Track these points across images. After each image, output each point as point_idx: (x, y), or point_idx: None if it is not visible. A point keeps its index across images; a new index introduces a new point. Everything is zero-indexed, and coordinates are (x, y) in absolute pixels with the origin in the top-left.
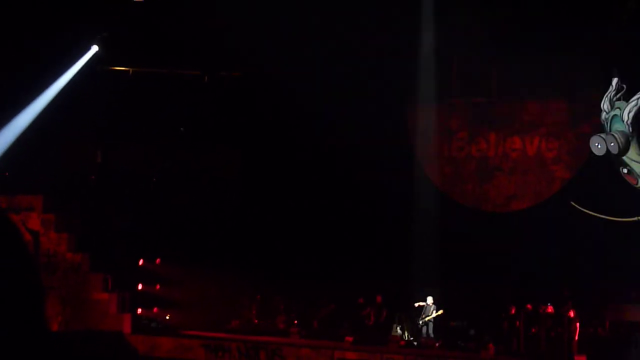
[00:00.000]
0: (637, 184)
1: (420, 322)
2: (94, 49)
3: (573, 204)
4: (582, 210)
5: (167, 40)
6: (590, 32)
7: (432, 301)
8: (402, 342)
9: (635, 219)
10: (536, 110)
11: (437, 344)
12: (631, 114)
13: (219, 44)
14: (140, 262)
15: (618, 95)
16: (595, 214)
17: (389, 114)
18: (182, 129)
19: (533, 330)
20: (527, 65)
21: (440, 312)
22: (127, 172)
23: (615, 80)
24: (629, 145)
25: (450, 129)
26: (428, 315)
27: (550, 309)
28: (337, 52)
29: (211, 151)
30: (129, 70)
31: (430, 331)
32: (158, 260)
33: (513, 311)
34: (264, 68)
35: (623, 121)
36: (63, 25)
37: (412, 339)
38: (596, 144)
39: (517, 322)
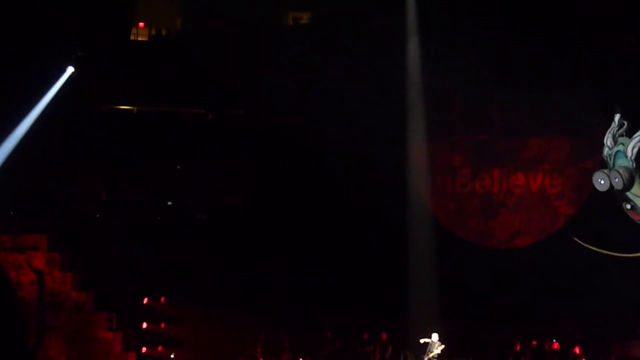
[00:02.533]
0: None
1: (425, 359)
2: (70, 70)
3: (576, 239)
4: (585, 246)
5: (170, 79)
6: (591, 68)
7: (437, 338)
8: None
9: (639, 254)
10: (539, 147)
11: None
12: (635, 150)
13: (223, 84)
14: (145, 300)
15: (621, 131)
16: (599, 250)
17: (392, 152)
18: (178, 167)
19: None
20: (529, 102)
21: (443, 346)
22: (132, 210)
23: (617, 116)
24: (633, 180)
25: (453, 165)
26: (432, 352)
27: (556, 345)
28: (337, 91)
29: (215, 190)
30: (133, 109)
31: None
32: (163, 299)
33: (518, 348)
34: (265, 107)
35: (627, 157)
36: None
37: None
38: (599, 180)
39: (523, 359)
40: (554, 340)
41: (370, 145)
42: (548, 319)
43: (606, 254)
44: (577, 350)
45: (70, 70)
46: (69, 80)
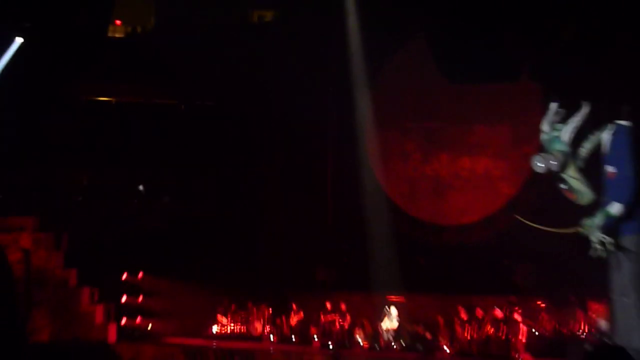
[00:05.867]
0: (575, 198)
1: (383, 328)
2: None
3: (517, 217)
4: (527, 223)
5: (146, 73)
6: (530, 62)
7: (393, 309)
8: (366, 346)
9: (573, 230)
10: (483, 133)
11: (397, 348)
12: (569, 135)
13: (194, 77)
14: (124, 276)
15: (556, 119)
16: (538, 226)
17: (351, 140)
18: (152, 153)
19: (483, 333)
20: (474, 93)
21: (398, 317)
22: (111, 194)
23: (553, 105)
24: (568, 163)
25: (406, 151)
26: (389, 322)
27: (498, 312)
28: (296, 84)
29: (190, 174)
30: (112, 100)
31: (391, 336)
32: (140, 274)
33: (465, 316)
34: (232, 98)
35: (562, 142)
36: None
37: (374, 343)
38: (538, 163)
39: (468, 326)
40: (496, 309)
41: (331, 134)
42: (491, 289)
43: (544, 230)
44: (517, 317)
45: (18, 41)
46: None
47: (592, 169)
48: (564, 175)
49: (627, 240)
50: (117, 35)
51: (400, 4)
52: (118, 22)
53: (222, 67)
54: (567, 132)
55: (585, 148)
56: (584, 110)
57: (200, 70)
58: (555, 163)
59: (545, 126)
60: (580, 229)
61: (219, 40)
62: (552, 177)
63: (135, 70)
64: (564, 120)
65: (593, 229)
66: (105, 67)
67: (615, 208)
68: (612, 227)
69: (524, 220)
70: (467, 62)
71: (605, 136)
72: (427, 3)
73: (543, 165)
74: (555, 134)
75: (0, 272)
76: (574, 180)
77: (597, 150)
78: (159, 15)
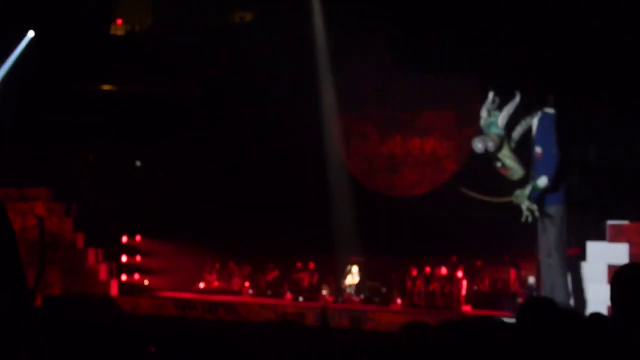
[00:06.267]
0: (508, 175)
1: (345, 284)
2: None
3: (462, 189)
4: (468, 194)
5: (142, 66)
6: (470, 54)
7: (354, 267)
8: (330, 299)
9: (507, 200)
10: (430, 118)
11: (357, 300)
12: (503, 120)
13: (185, 69)
14: (124, 238)
15: (493, 106)
16: (479, 197)
17: (316, 125)
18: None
19: (430, 287)
20: (422, 82)
21: (359, 275)
22: (112, 169)
23: (491, 94)
24: (503, 144)
25: (365, 132)
26: (351, 279)
27: (443, 270)
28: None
29: (181, 152)
30: (113, 89)
31: (352, 291)
32: (138, 237)
33: (415, 273)
34: (217, 88)
35: (498, 126)
36: None
37: (338, 296)
38: (477, 144)
39: (418, 282)
40: (442, 267)
41: (299, 119)
42: (438, 251)
43: (483, 200)
44: (460, 274)
45: (31, 34)
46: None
47: (522, 149)
48: (499, 155)
49: (552, 210)
50: (118, 33)
51: (362, 3)
52: (119, 21)
53: (209, 63)
54: (502, 118)
55: (517, 132)
56: (517, 99)
57: (191, 66)
58: (492, 144)
59: (483, 112)
60: (513, 199)
61: (207, 39)
62: (489, 157)
63: (133, 65)
64: (499, 107)
65: (523, 198)
66: (107, 61)
67: (542, 181)
68: (538, 197)
69: (468, 191)
70: (417, 54)
71: (534, 121)
72: (387, 3)
73: (481, 146)
74: (492, 119)
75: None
76: (507, 159)
77: (527, 133)
78: (155, 15)
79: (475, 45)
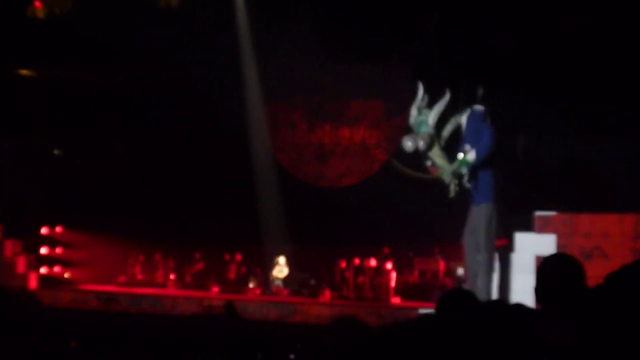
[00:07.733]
0: (439, 174)
1: (273, 275)
2: None
3: (394, 161)
4: (398, 167)
5: (65, 51)
6: (400, 45)
7: (282, 259)
8: (258, 291)
9: (434, 176)
10: (359, 107)
11: (285, 292)
12: (434, 119)
13: (107, 54)
14: (44, 229)
15: (423, 104)
16: (408, 172)
17: (245, 111)
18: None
19: (359, 279)
20: (351, 71)
21: (287, 267)
22: (31, 158)
23: (420, 91)
24: (433, 143)
25: (294, 121)
26: (279, 270)
27: (372, 263)
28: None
29: (103, 138)
30: (34, 75)
31: (281, 283)
32: (59, 227)
33: (344, 265)
34: (140, 73)
35: (428, 125)
36: None
37: (266, 288)
38: (407, 143)
39: (347, 274)
40: (372, 259)
41: (225, 108)
42: (367, 243)
43: (411, 175)
44: (389, 266)
45: None
46: None
47: (452, 147)
48: (430, 154)
49: (481, 209)
50: (37, 15)
51: None
52: (38, 3)
53: (133, 49)
54: (432, 116)
55: (447, 130)
56: (447, 97)
57: (114, 52)
58: (423, 143)
59: (413, 110)
60: (439, 174)
61: (131, 25)
62: (419, 156)
63: (53, 50)
64: (429, 105)
65: (449, 175)
66: (27, 45)
67: (471, 155)
68: (465, 174)
69: (397, 164)
70: (346, 44)
71: (463, 119)
72: None
73: (412, 145)
74: (423, 118)
75: None
76: (437, 158)
77: (456, 131)
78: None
79: (404, 35)
